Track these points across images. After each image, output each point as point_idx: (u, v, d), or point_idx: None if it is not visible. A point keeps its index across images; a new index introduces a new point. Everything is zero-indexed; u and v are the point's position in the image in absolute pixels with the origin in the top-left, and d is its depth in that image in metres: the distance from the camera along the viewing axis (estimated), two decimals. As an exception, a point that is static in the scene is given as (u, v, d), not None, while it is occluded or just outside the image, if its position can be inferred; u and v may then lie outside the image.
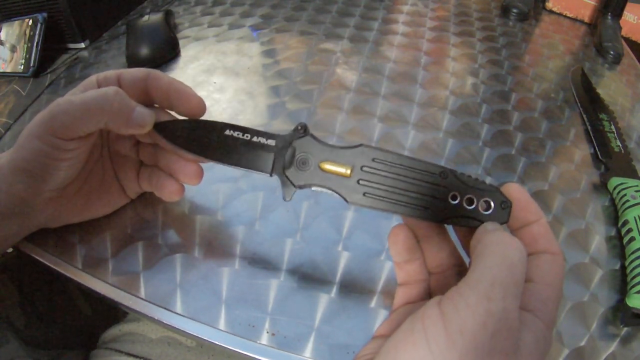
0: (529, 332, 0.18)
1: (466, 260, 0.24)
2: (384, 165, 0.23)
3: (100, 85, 0.28)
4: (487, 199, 0.22)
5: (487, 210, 0.22)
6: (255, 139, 0.26)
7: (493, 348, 0.16)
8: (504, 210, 0.21)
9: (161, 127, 0.28)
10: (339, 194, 0.23)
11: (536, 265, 0.20)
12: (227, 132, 0.26)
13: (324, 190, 0.24)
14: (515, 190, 0.22)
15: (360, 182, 0.23)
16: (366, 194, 0.23)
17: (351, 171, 0.23)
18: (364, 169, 0.23)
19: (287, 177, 0.25)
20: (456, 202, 0.22)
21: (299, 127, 0.25)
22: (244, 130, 0.26)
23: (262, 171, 0.26)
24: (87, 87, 0.28)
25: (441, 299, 0.18)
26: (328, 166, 0.24)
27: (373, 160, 0.23)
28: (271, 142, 0.26)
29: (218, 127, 0.27)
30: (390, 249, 0.24)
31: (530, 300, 0.19)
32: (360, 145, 0.23)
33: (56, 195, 0.28)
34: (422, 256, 0.24)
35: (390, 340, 0.18)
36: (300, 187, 0.24)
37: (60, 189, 0.28)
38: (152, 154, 0.31)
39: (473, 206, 0.22)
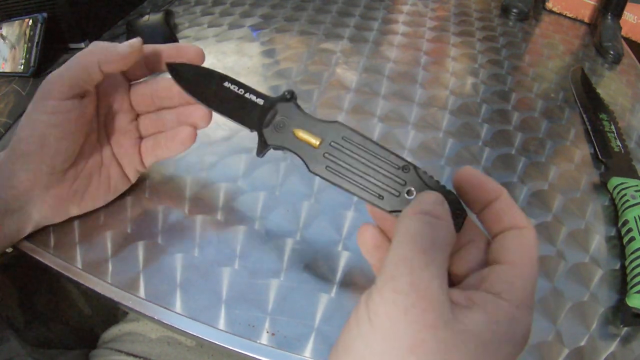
0: (481, 311, 0.17)
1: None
2: (351, 145, 0.24)
3: None
4: None
5: None
6: (247, 95, 0.28)
7: (410, 323, 0.16)
8: (457, 219, 0.21)
9: (171, 68, 0.30)
10: (304, 161, 0.24)
11: (501, 245, 0.20)
12: (226, 83, 0.28)
13: (293, 154, 0.25)
14: (467, 173, 0.21)
15: (326, 155, 0.24)
16: (328, 167, 0.24)
17: (320, 143, 0.24)
18: (332, 144, 0.24)
19: (263, 135, 0.27)
20: (411, 197, 0.22)
21: (286, 93, 0.26)
22: (239, 85, 0.28)
23: (245, 126, 0.28)
24: None
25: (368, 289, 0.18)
26: (301, 133, 0.25)
27: (342, 138, 0.24)
28: (259, 101, 0.28)
29: (218, 77, 0.29)
30: (361, 249, 0.24)
31: (494, 283, 0.19)
32: (336, 121, 0.24)
33: (56, 181, 0.29)
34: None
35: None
36: (273, 147, 0.26)
37: (60, 172, 0.28)
38: (153, 121, 0.32)
39: None
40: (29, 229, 0.30)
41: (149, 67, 0.31)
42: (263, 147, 0.27)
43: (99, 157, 0.31)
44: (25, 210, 0.28)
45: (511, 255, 0.19)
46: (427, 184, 0.22)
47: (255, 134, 0.27)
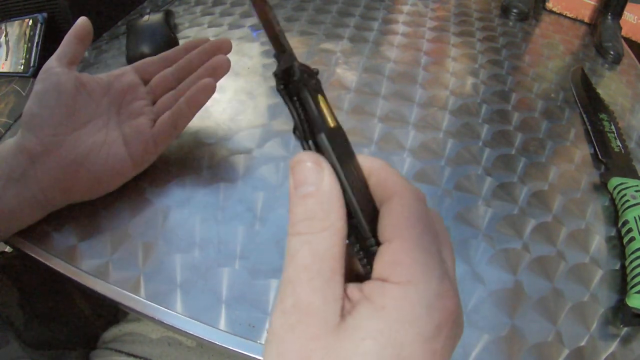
0: (366, 304, 0.16)
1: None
2: None
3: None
4: None
5: None
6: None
7: (298, 338, 0.16)
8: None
9: None
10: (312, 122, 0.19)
11: (380, 223, 0.18)
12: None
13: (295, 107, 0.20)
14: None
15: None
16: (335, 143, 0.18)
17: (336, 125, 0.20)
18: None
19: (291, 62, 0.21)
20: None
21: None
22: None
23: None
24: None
25: None
26: (322, 103, 0.20)
27: None
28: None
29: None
30: None
31: (380, 267, 0.17)
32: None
33: (56, 145, 0.30)
34: None
35: None
36: (292, 83, 0.20)
37: (61, 135, 0.31)
38: (171, 96, 0.36)
39: None
40: (27, 205, 0.30)
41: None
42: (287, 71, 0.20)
43: (103, 136, 0.33)
44: (26, 179, 0.29)
45: (390, 232, 0.17)
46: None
47: None
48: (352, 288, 0.17)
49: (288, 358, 0.16)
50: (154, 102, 0.36)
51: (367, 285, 0.17)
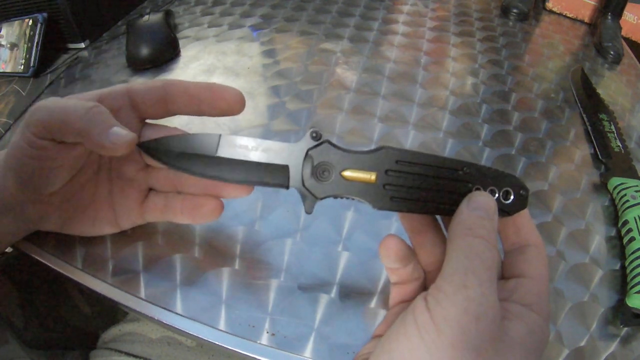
0: (521, 322, 0.19)
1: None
2: (407, 166, 0.22)
3: (104, 100, 0.26)
4: (507, 188, 0.22)
5: (506, 199, 0.22)
6: (263, 151, 0.24)
7: (479, 332, 0.17)
8: (522, 197, 0.22)
9: (147, 146, 0.25)
10: (366, 201, 0.22)
11: (524, 259, 0.21)
12: (227, 149, 0.24)
13: (349, 198, 0.23)
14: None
15: (386, 187, 0.22)
16: (393, 198, 0.22)
17: (376, 177, 0.22)
18: (389, 172, 0.22)
19: (307, 189, 0.23)
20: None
21: (314, 134, 0.23)
22: (247, 140, 0.24)
23: (278, 185, 0.24)
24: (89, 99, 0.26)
25: (426, 294, 0.19)
26: (351, 174, 0.22)
27: (397, 162, 0.22)
28: (283, 152, 0.24)
29: (215, 140, 0.24)
30: (382, 260, 0.23)
31: (525, 295, 0.20)
32: (382, 148, 0.22)
33: (41, 199, 0.27)
34: (415, 258, 0.24)
35: (386, 335, 0.19)
36: (323, 198, 0.23)
37: (47, 195, 0.27)
38: (167, 178, 0.29)
39: (495, 197, 0.22)
40: (24, 232, 0.29)
41: (171, 108, 0.27)
42: (313, 202, 0.23)
43: (91, 196, 0.29)
44: (20, 212, 0.27)
45: (534, 270, 0.21)
46: (489, 175, 0.22)
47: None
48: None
49: (465, 351, 0.17)
50: (144, 165, 0.29)
51: (514, 307, 0.20)
